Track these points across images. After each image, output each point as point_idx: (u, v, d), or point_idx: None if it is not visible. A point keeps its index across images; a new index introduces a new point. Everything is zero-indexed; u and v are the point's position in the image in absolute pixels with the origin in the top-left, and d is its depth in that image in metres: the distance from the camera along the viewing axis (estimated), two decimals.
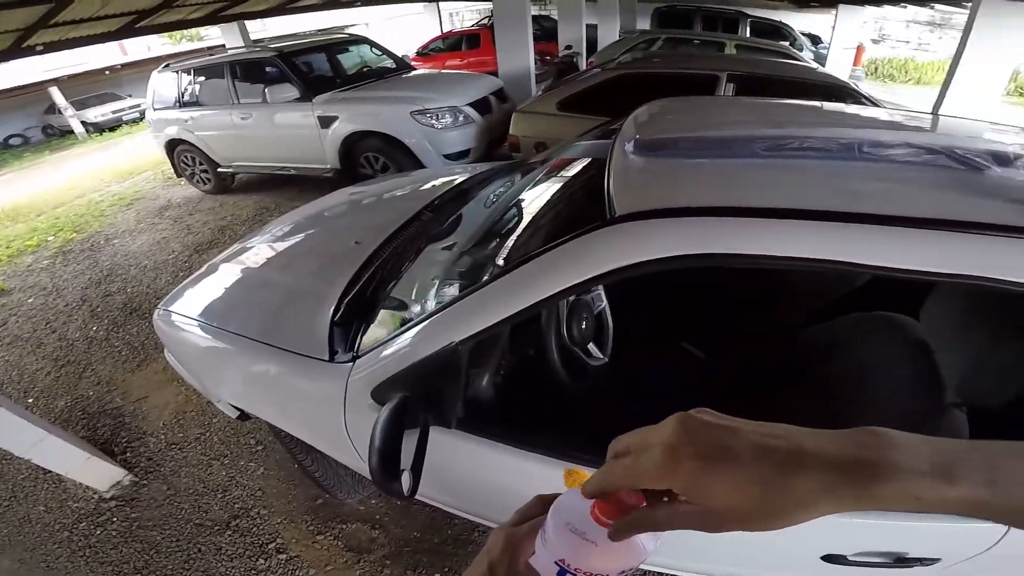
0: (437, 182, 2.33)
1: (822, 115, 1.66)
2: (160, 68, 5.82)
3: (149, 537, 2.05)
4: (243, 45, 7.40)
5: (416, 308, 1.39)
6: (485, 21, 12.26)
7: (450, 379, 1.03)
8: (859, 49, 10.69)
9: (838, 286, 1.56)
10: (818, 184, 0.99)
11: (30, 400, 3.00)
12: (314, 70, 5.24)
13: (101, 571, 1.95)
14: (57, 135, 15.58)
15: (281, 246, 1.96)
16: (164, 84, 5.77)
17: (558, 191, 1.72)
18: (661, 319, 1.67)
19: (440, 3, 14.39)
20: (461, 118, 4.44)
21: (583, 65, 6.92)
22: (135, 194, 6.67)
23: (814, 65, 5.79)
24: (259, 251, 1.94)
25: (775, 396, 1.26)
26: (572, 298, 1.29)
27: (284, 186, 5.88)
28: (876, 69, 14.77)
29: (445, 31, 13.48)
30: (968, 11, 5.28)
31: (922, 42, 14.91)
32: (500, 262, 1.40)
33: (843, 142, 1.19)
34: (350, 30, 17.28)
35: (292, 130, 4.89)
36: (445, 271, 1.51)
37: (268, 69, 4.98)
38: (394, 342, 1.15)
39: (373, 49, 5.93)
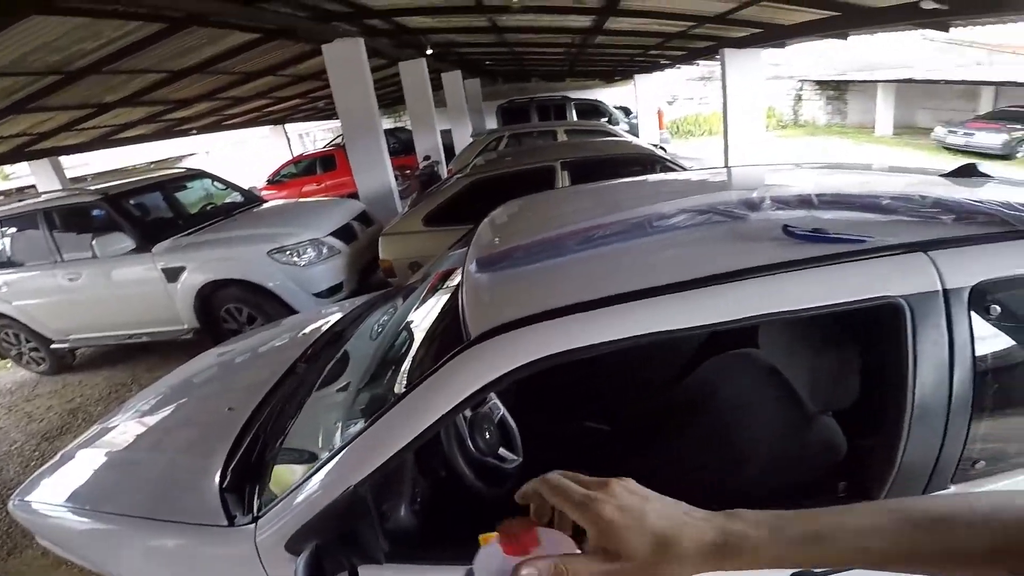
0: (308, 329, 2.28)
1: (627, 194, 1.92)
2: None
3: None
4: (59, 187, 6.57)
5: (309, 457, 1.41)
6: (339, 140, 12.06)
7: (360, 519, 1.04)
8: (659, 114, 12.50)
9: (691, 339, 1.72)
10: (627, 266, 1.12)
11: None
12: (151, 213, 4.67)
13: None
14: None
15: (148, 422, 1.89)
16: None
17: (434, 312, 1.78)
18: (560, 405, 1.76)
19: (286, 125, 14.15)
20: (325, 250, 4.16)
21: (445, 173, 7.19)
22: None
23: (629, 137, 6.76)
24: (123, 430, 1.88)
25: (676, 447, 1.38)
26: (469, 413, 1.32)
27: (139, 356, 5.08)
28: (678, 128, 17.10)
29: (296, 155, 13.04)
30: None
31: (701, 97, 17.33)
32: (387, 397, 1.42)
33: (640, 219, 1.30)
34: (189, 160, 16.50)
35: (133, 288, 4.21)
36: (334, 416, 1.53)
37: (94, 216, 4.31)
38: (296, 493, 1.16)
39: (215, 183, 5.48)
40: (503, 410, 1.52)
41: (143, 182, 4.91)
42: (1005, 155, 10.53)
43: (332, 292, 4.18)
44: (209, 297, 4.12)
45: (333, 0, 4.42)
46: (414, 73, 7.73)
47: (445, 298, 1.78)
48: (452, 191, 4.03)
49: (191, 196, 5.27)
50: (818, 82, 16.91)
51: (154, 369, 4.72)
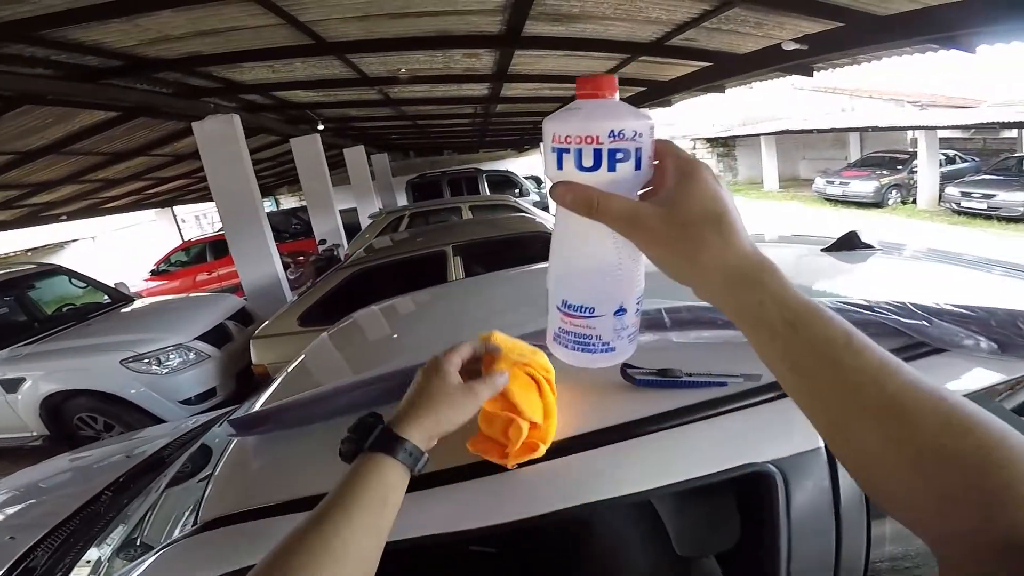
0: (142, 448, 1.99)
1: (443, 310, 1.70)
2: None
3: None
4: None
5: None
6: None
7: None
8: None
9: None
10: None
11: None
12: None
13: None
14: None
15: None
16: None
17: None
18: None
19: (175, 207, 13.07)
20: (192, 355, 3.79)
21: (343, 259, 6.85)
22: None
23: (536, 211, 6.66)
24: None
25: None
26: None
27: None
28: None
29: (184, 241, 11.90)
30: None
31: None
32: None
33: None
34: (73, 246, 14.99)
35: None
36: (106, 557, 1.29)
37: None
38: None
39: (74, 280, 4.90)
40: None
41: None
42: (877, 203, 11.40)
43: (203, 399, 3.83)
44: (59, 406, 3.80)
45: (198, 76, 4.06)
46: (307, 150, 7.28)
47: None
48: (330, 284, 3.55)
49: (44, 295, 4.72)
50: (708, 139, 18.22)
51: (5, 472, 3.83)
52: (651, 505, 0.97)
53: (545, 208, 9.71)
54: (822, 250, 1.37)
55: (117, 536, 1.35)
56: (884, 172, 11.70)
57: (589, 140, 0.38)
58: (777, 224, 10.95)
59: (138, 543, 1.25)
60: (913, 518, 0.32)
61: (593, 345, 0.45)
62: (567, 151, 0.39)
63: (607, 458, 0.69)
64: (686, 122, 17.30)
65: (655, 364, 0.75)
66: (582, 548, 1.14)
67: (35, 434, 3.91)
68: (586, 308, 0.43)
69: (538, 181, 13.32)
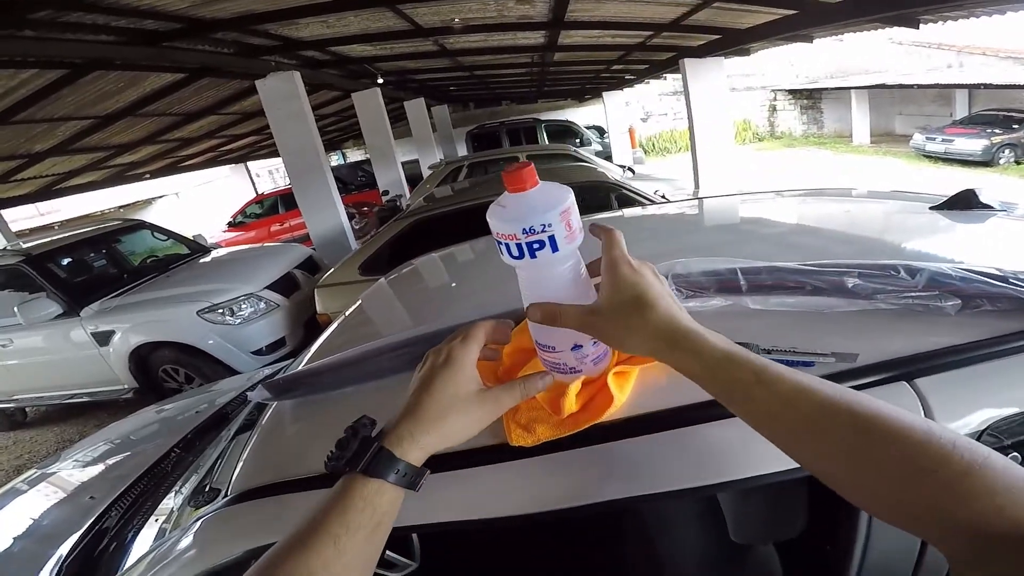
0: (212, 402, 2.02)
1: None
2: None
3: None
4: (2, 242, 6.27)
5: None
6: None
7: None
8: (631, 132, 12.12)
9: None
10: None
11: None
12: (81, 272, 4.44)
13: None
14: None
15: (30, 501, 1.75)
16: None
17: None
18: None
19: (248, 163, 13.70)
20: (262, 305, 3.88)
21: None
22: None
23: (598, 161, 6.43)
24: (11, 508, 1.74)
25: (600, 548, 1.10)
26: None
27: (90, 412, 4.82)
28: (654, 146, 16.74)
29: (257, 194, 12.51)
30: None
31: (675, 112, 16.62)
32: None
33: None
34: (160, 203, 16.15)
35: (65, 353, 4.01)
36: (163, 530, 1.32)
37: (18, 279, 4.06)
38: None
39: (156, 234, 5.19)
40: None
41: (73, 238, 4.64)
42: (986, 161, 10.33)
43: (273, 349, 3.93)
44: (146, 358, 3.95)
45: (256, 35, 4.09)
46: (368, 104, 7.34)
47: None
48: (391, 234, 3.61)
49: (129, 249, 5.02)
50: (791, 91, 16.70)
51: (104, 424, 4.38)
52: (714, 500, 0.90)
53: (608, 158, 9.34)
54: (931, 208, 1.15)
55: (189, 485, 1.40)
56: (996, 130, 10.49)
57: (510, 237, 0.49)
58: (870, 179, 10.01)
59: (207, 488, 1.28)
60: (894, 521, 0.36)
61: (562, 369, 0.57)
62: (500, 243, 0.51)
63: (662, 447, 0.57)
64: (764, 72, 15.87)
65: (727, 335, 0.62)
66: (628, 526, 1.07)
67: (126, 387, 4.11)
68: (549, 346, 0.56)
69: (600, 131, 12.75)
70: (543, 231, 0.48)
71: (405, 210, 4.91)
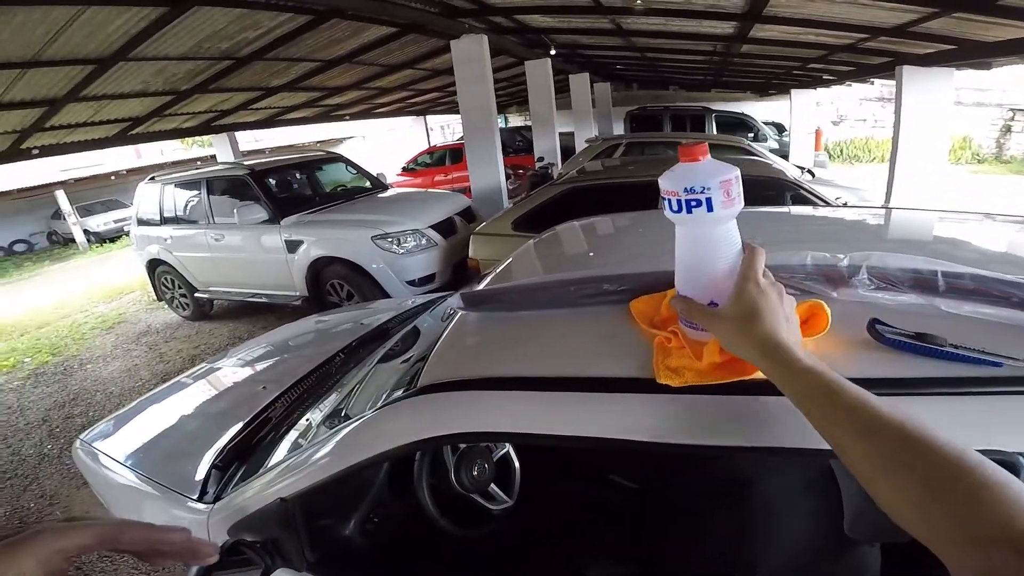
0: (374, 318, 2.29)
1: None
2: (147, 180, 5.71)
3: None
4: (232, 158, 7.61)
5: (275, 458, 1.37)
6: None
7: (285, 529, 1.03)
8: (817, 133, 10.98)
9: None
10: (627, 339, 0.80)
11: None
12: (286, 190, 5.21)
13: None
14: (60, 243, 15.10)
15: (202, 386, 2.00)
16: (148, 197, 5.60)
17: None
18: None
19: (427, 116, 14.94)
20: (424, 242, 4.33)
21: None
22: (118, 317, 6.66)
23: (772, 158, 6.00)
24: (187, 390, 1.99)
25: (703, 524, 1.20)
26: (462, 446, 1.21)
27: (261, 314, 5.65)
28: (841, 151, 15.08)
29: (430, 145, 13.69)
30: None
31: (877, 119, 14.99)
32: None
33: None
34: (349, 142, 18.36)
35: (261, 254, 4.77)
36: (327, 419, 1.49)
37: (241, 188, 4.88)
38: (245, 489, 1.20)
39: (348, 167, 5.98)
40: (508, 447, 1.39)
41: (285, 161, 5.48)
42: None
43: (424, 282, 4.36)
44: (319, 271, 4.56)
45: None
46: (538, 73, 7.66)
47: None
48: (544, 197, 3.89)
49: (325, 177, 5.80)
50: None
51: (270, 327, 5.25)
52: (833, 477, 0.92)
53: (784, 156, 8.62)
54: None
55: (329, 403, 1.56)
56: None
57: (672, 193, 0.59)
58: None
59: (343, 413, 1.43)
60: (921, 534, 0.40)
61: (696, 326, 0.65)
62: (664, 199, 0.61)
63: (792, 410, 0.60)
64: (1006, 89, 13.17)
65: (912, 328, 0.63)
66: (732, 502, 1.13)
67: (298, 294, 4.73)
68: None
69: (780, 128, 11.70)
70: (702, 192, 0.57)
71: (555, 179, 5.10)
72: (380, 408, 0.98)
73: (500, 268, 1.47)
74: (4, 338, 6.59)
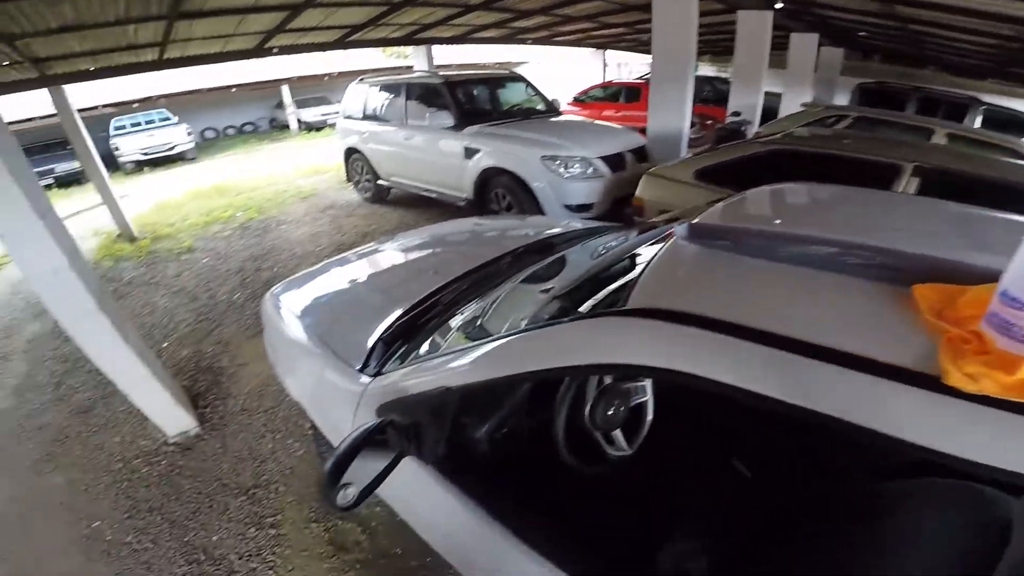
0: (537, 232, 2.31)
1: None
2: (357, 80, 6.58)
3: (178, 484, 2.31)
4: (426, 68, 8.19)
5: (444, 345, 1.41)
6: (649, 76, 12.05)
7: (435, 419, 1.06)
8: None
9: None
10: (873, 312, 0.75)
11: (164, 344, 3.56)
12: (472, 102, 5.57)
13: (121, 505, 2.23)
14: (278, 128, 18.19)
15: (379, 261, 2.17)
16: (355, 96, 6.46)
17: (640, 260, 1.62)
18: (717, 430, 1.47)
19: (607, 51, 14.49)
20: (590, 170, 4.35)
21: (751, 135, 6.38)
22: (312, 191, 7.75)
23: None
24: (362, 263, 2.17)
25: (812, 538, 1.00)
26: (607, 381, 1.21)
27: (426, 207, 6.23)
28: None
29: (606, 80, 13.48)
30: None
31: None
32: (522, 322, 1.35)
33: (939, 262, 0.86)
34: (524, 67, 18.40)
35: (441, 156, 5.25)
36: (496, 315, 1.52)
37: (435, 95, 5.37)
38: (407, 369, 1.23)
39: (528, 88, 6.17)
40: (648, 397, 1.34)
41: (473, 76, 5.87)
42: None
43: (580, 209, 4.42)
44: (488, 179, 4.91)
45: None
46: (751, 24, 6.84)
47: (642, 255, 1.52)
48: (743, 152, 3.54)
49: (506, 95, 6.07)
50: None
51: (432, 220, 5.74)
52: (1007, 520, 0.72)
53: None
54: None
55: (469, 311, 1.57)
56: None
57: None
58: None
59: (477, 324, 1.45)
60: None
61: (1017, 331, 0.56)
62: None
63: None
64: None
65: None
66: (861, 528, 0.90)
67: (465, 196, 5.16)
68: (1021, 302, 0.55)
69: None
70: None
71: (748, 137, 4.60)
72: (576, 319, 0.95)
73: (720, 208, 1.39)
74: (226, 195, 8.05)
